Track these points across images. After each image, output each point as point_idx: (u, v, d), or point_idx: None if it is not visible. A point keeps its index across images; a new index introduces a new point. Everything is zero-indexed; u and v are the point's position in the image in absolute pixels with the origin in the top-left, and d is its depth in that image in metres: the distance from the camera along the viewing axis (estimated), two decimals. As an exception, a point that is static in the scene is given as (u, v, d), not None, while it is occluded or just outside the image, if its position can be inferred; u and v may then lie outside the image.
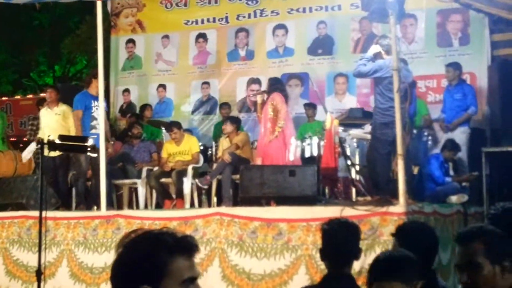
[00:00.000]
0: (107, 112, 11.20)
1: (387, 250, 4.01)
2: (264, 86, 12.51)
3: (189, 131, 11.86)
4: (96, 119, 9.45)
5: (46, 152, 6.49)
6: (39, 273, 6.40)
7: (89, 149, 7.20)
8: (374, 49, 8.27)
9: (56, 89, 10.51)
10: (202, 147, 11.05)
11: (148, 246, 2.01)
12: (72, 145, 7.47)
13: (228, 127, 10.48)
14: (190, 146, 10.60)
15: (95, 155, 8.19)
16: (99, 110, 9.18)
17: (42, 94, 14.22)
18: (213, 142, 11.31)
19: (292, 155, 9.45)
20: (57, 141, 6.76)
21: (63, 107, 10.14)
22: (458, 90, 10.32)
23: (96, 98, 9.41)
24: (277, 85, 9.78)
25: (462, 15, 11.55)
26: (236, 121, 10.86)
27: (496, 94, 10.51)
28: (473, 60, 11.26)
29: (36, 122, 11.40)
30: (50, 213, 7.25)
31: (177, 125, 10.77)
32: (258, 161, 9.48)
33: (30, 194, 9.15)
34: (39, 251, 6.46)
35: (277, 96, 9.49)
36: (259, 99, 9.95)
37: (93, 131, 9.36)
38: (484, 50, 11.22)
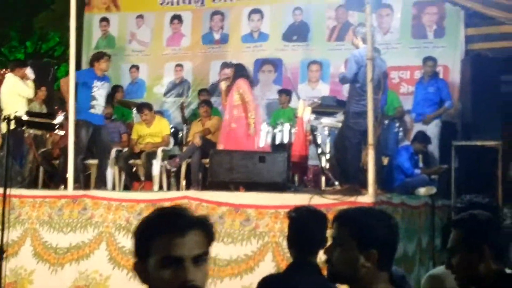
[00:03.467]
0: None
1: None
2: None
3: (161, 113, 11.74)
4: (96, 99, 9.33)
5: (12, 128, 6.39)
6: (1, 251, 6.30)
7: (57, 127, 7.09)
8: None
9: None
10: (172, 130, 10.96)
11: (140, 224, 2.08)
12: (40, 122, 7.36)
13: (203, 110, 10.45)
14: (161, 128, 10.51)
15: (62, 133, 8.09)
16: (100, 90, 9.32)
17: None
18: (184, 125, 11.22)
19: (263, 141, 9.41)
20: (24, 117, 6.65)
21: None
22: (432, 84, 10.34)
23: (99, 78, 9.42)
24: (242, 71, 9.56)
25: (438, 7, 11.55)
26: (211, 105, 10.81)
27: (468, 88, 10.54)
28: (447, 53, 11.27)
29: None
30: (15, 191, 7.15)
31: (148, 106, 10.66)
32: (220, 148, 9.27)
33: (-5, 170, 9.00)
34: (2, 229, 6.36)
35: (243, 83, 9.31)
36: (223, 85, 9.79)
37: (92, 110, 9.24)
38: (458, 43, 11.24)
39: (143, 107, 10.64)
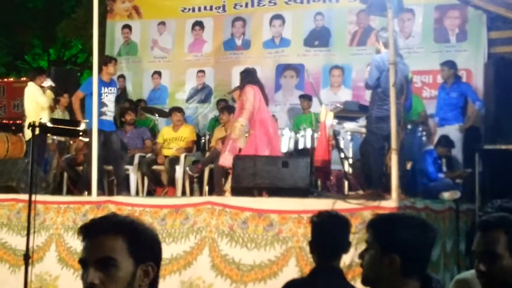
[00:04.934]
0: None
1: None
2: (259, 76, 12.46)
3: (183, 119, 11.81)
4: (106, 105, 9.35)
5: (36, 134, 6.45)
6: (27, 257, 6.34)
7: (81, 133, 7.14)
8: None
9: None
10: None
11: None
12: (64, 129, 7.41)
13: (225, 117, 10.44)
14: (187, 133, 10.59)
15: (86, 139, 8.14)
16: (109, 96, 9.33)
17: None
18: (207, 131, 11.28)
19: (285, 146, 9.41)
20: (49, 124, 6.70)
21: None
22: (454, 89, 10.28)
23: (106, 84, 9.43)
24: (248, 77, 9.23)
25: (460, 11, 11.51)
26: (233, 111, 10.80)
27: (492, 92, 10.45)
28: (470, 57, 11.22)
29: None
30: (40, 197, 7.20)
31: (180, 110, 10.86)
32: (227, 157, 8.73)
33: (20, 177, 9.06)
34: (28, 235, 6.41)
35: (249, 89, 8.91)
36: (236, 94, 9.71)
37: (103, 117, 9.22)
38: (481, 47, 11.17)
39: (176, 110, 10.78)
